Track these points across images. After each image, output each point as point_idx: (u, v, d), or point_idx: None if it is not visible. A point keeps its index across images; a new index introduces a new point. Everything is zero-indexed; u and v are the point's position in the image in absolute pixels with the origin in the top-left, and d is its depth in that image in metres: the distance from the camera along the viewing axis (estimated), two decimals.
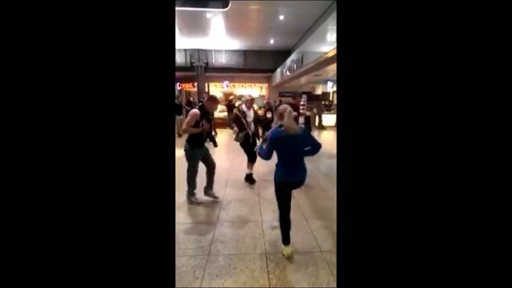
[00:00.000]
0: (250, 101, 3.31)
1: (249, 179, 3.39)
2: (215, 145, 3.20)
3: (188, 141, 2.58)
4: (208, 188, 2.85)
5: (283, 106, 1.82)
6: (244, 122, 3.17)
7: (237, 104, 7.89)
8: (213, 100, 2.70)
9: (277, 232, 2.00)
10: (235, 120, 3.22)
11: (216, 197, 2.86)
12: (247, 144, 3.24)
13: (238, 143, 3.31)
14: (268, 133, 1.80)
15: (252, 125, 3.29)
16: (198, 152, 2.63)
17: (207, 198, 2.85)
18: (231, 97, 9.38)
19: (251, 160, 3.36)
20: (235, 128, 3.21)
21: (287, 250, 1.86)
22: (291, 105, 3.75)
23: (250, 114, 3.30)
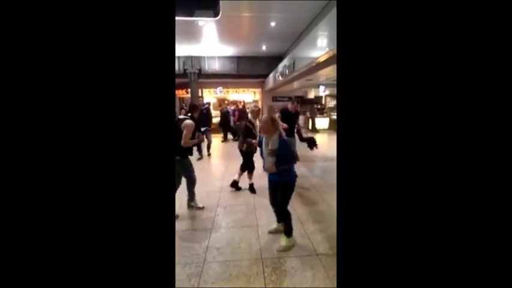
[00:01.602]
0: (257, 112, 3.29)
1: (252, 189, 3.36)
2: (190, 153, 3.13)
3: (180, 153, 2.50)
4: (191, 200, 2.80)
5: (266, 117, 1.92)
6: (254, 132, 3.12)
7: (230, 109, 8.00)
8: (197, 108, 2.77)
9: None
10: (247, 132, 3.14)
11: (200, 207, 2.81)
12: (250, 154, 3.25)
13: (232, 150, 3.30)
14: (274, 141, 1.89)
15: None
16: (188, 160, 2.62)
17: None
18: (226, 102, 9.48)
19: (251, 170, 3.35)
20: (249, 140, 3.09)
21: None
22: (288, 111, 3.72)
23: (258, 125, 3.29)
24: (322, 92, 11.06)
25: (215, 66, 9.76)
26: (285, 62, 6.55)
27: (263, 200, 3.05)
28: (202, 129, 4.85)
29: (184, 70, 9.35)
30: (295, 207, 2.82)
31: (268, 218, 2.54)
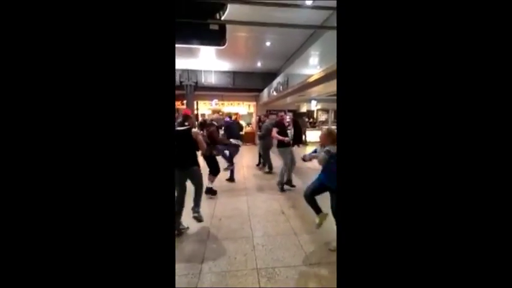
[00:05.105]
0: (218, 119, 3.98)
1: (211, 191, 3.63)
2: None
3: (196, 162, 2.60)
4: (197, 207, 2.79)
5: (326, 131, 2.31)
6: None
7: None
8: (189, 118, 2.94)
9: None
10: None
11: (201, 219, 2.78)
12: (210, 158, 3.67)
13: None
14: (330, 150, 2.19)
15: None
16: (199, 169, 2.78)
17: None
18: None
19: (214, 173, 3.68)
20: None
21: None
22: (277, 122, 4.25)
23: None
24: (314, 106, 11.46)
25: (211, 79, 9.98)
26: (279, 78, 6.84)
27: (257, 210, 3.12)
28: (234, 141, 4.69)
29: (181, 82, 9.52)
30: (289, 218, 2.91)
31: (263, 229, 2.61)
